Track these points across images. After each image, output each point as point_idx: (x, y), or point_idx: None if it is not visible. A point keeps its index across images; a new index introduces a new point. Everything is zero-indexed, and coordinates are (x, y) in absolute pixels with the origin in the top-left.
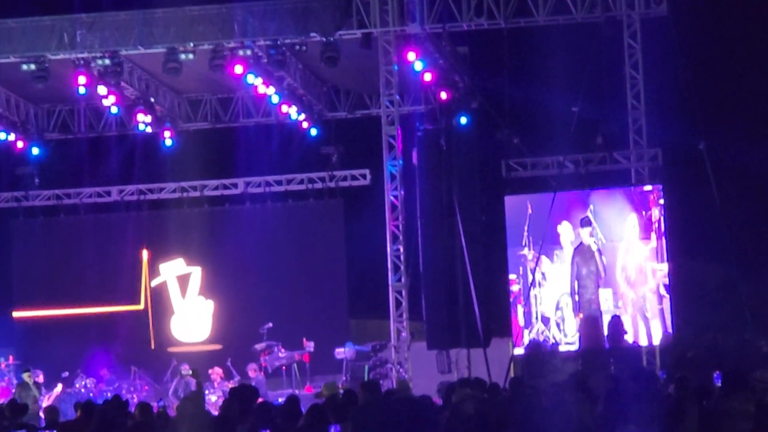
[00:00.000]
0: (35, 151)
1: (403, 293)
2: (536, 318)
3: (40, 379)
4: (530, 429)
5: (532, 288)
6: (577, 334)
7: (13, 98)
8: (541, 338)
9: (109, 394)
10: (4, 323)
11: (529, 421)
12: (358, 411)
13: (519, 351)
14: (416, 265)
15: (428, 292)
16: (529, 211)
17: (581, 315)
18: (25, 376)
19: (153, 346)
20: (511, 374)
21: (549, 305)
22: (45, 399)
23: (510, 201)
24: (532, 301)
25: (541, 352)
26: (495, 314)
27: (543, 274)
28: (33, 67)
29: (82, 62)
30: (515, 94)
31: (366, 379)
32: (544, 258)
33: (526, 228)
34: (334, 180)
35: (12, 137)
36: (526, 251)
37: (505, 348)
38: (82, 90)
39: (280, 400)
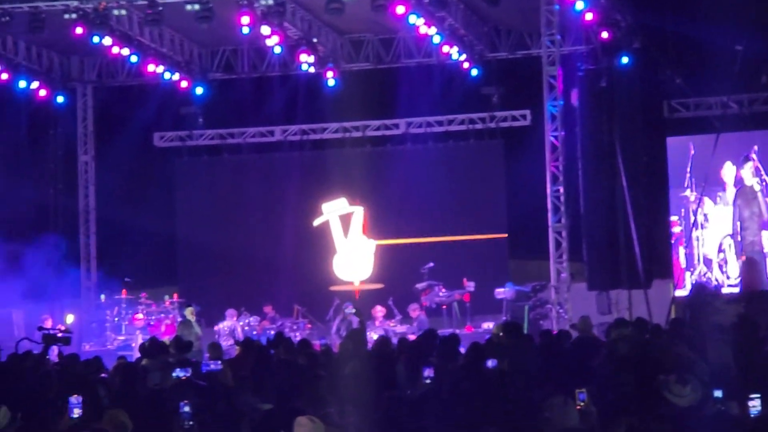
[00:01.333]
0: (199, 90)
1: (563, 234)
2: (698, 260)
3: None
4: (691, 370)
5: (694, 230)
6: (740, 277)
7: (177, 38)
8: (704, 280)
9: (272, 332)
10: (169, 261)
11: (691, 363)
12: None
13: (680, 293)
14: (576, 206)
15: (589, 232)
16: (692, 152)
17: (744, 257)
18: (187, 312)
19: (316, 285)
20: (672, 316)
21: (711, 247)
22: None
23: (672, 142)
24: (695, 243)
25: (704, 294)
26: (656, 256)
27: (705, 215)
28: (197, 7)
29: (245, 2)
30: (678, 33)
31: (526, 319)
32: (706, 199)
33: (688, 169)
34: (494, 121)
35: (176, 77)
36: (688, 193)
37: (666, 290)
38: (245, 30)
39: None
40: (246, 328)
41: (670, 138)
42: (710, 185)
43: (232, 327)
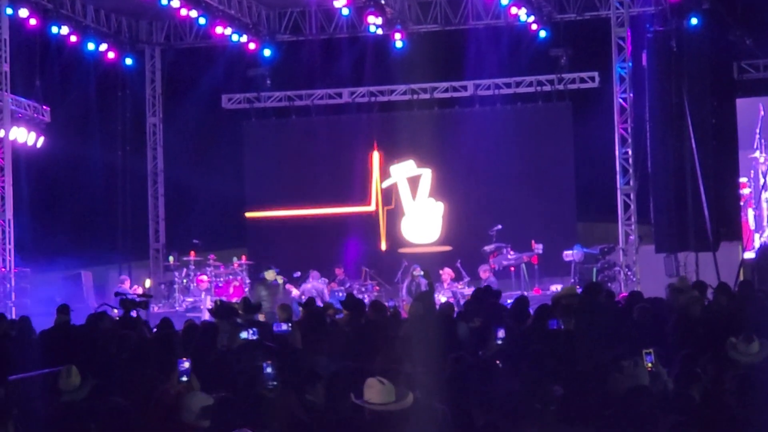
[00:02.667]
0: (267, 52)
1: (632, 196)
2: (767, 221)
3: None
4: (761, 331)
5: (764, 191)
6: None
7: (245, 0)
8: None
9: (341, 294)
10: (237, 223)
11: (761, 324)
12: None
13: (749, 255)
14: (645, 168)
15: (657, 195)
16: (762, 113)
17: None
18: (268, 274)
19: (384, 247)
20: (741, 278)
21: None
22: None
23: (742, 103)
24: (764, 204)
25: None
26: (725, 218)
27: None
28: None
29: None
30: None
31: (594, 280)
32: None
33: (758, 131)
34: (562, 82)
35: (244, 39)
36: (757, 154)
37: (735, 252)
38: None
39: (509, 301)
40: (314, 291)
41: (740, 99)
42: None
43: (319, 289)
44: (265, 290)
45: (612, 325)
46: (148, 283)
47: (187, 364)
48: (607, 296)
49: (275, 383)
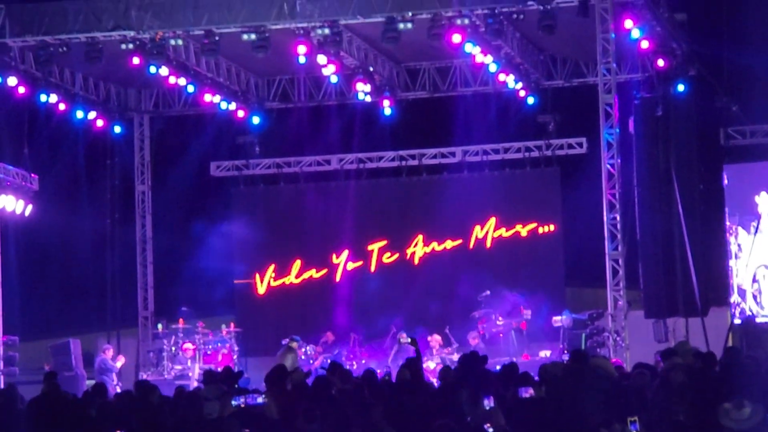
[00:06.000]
0: (256, 120)
1: (620, 261)
2: (733, 290)
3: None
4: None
5: (737, 259)
6: None
7: (234, 68)
8: (737, 311)
9: (328, 361)
10: (226, 290)
11: (750, 389)
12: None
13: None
14: (633, 234)
15: (645, 260)
16: (725, 181)
17: None
18: (292, 343)
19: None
20: (730, 343)
21: (746, 277)
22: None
23: (729, 169)
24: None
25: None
26: (713, 283)
27: (739, 245)
28: (253, 36)
29: (301, 32)
30: (734, 61)
31: (583, 347)
32: (740, 229)
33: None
34: (550, 148)
35: (233, 106)
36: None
37: (724, 317)
38: (302, 59)
39: (498, 367)
40: (302, 357)
41: (727, 165)
42: (744, 215)
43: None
44: (292, 358)
45: (599, 392)
46: (120, 362)
47: None
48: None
49: None
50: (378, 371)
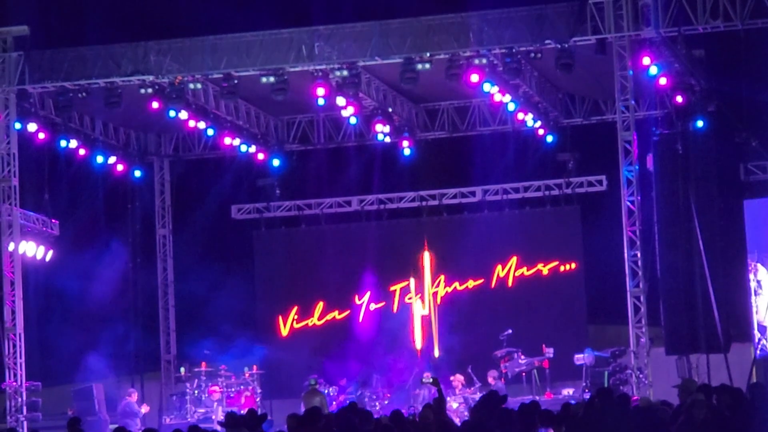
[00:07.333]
0: (276, 162)
1: (642, 299)
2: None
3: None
4: None
5: (757, 296)
6: None
7: (253, 110)
8: (759, 347)
9: (348, 401)
10: (248, 333)
11: None
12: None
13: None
14: (654, 271)
15: (666, 297)
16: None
17: None
18: (313, 382)
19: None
20: (754, 378)
21: (766, 314)
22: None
23: (749, 205)
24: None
25: None
26: (735, 319)
27: (759, 282)
28: (272, 79)
29: (320, 74)
30: (753, 97)
31: (606, 384)
32: (759, 266)
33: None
34: (570, 186)
35: (253, 149)
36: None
37: (747, 353)
38: (321, 101)
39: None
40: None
41: (747, 201)
42: (763, 251)
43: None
44: (317, 397)
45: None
46: (144, 410)
47: None
48: (621, 400)
49: None
50: (403, 411)
